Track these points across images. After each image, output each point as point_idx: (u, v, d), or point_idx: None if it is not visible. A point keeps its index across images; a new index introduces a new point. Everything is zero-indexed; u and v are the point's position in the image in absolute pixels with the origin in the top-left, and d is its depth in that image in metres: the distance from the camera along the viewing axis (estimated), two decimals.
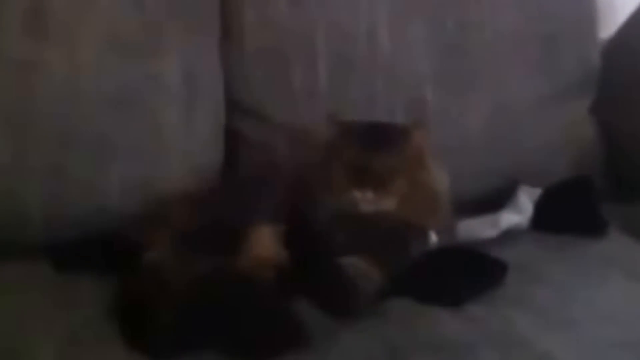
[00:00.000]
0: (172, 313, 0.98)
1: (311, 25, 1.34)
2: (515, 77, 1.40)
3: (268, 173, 1.26)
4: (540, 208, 1.29)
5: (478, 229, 1.24)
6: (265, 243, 1.08)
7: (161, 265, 1.06)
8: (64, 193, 1.24)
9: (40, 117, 1.22)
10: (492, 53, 1.39)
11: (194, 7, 1.32)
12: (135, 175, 1.26)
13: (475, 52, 1.39)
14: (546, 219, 1.28)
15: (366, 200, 1.10)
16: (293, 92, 1.34)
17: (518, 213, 1.28)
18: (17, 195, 1.22)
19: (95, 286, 1.10)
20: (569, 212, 1.28)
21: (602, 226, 1.27)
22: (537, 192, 1.31)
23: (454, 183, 1.25)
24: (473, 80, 1.38)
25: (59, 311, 1.06)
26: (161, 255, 1.07)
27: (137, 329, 1.00)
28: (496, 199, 1.31)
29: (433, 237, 1.19)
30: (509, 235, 1.24)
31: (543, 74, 1.41)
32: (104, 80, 1.25)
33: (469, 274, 1.12)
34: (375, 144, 1.12)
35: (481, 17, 1.39)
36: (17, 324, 1.04)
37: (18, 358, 0.98)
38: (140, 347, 0.98)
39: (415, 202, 1.12)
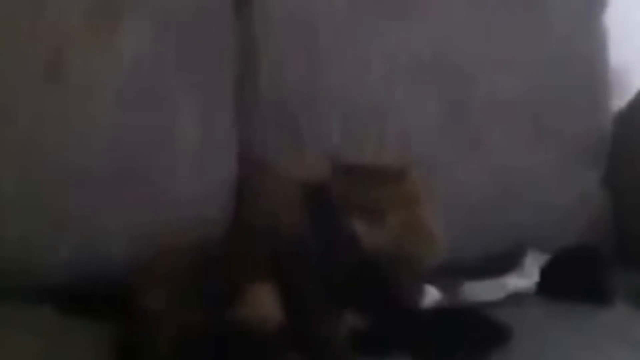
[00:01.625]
0: None
1: (325, 83, 1.36)
2: (524, 141, 1.40)
3: (274, 228, 1.26)
4: (547, 273, 1.28)
5: (484, 291, 1.23)
6: (262, 300, 1.08)
7: (157, 315, 1.06)
8: (69, 240, 1.24)
9: (51, 165, 1.24)
10: (502, 116, 1.39)
11: (210, 62, 1.34)
12: (142, 225, 1.26)
13: (484, 115, 1.39)
14: (553, 285, 1.27)
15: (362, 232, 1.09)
16: (305, 147, 1.35)
17: (524, 277, 1.27)
18: (18, 234, 1.23)
19: (94, 332, 1.10)
20: (576, 279, 1.27)
21: (609, 296, 1.26)
22: (543, 257, 1.31)
23: (460, 243, 1.24)
24: (481, 144, 1.39)
25: (55, 356, 1.07)
26: (158, 305, 1.07)
27: None
28: (502, 262, 1.31)
29: (437, 295, 1.19)
30: (515, 299, 1.24)
31: (553, 140, 1.41)
32: (114, 128, 1.26)
33: (473, 336, 1.11)
34: (368, 180, 1.11)
35: (492, 79, 1.39)
36: None
37: None
38: None
39: (409, 241, 1.11)
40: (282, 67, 1.36)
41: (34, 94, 1.24)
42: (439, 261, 1.13)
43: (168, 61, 1.30)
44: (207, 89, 1.33)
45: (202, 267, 1.12)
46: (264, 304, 1.08)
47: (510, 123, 1.40)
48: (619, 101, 1.51)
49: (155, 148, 1.29)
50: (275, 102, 1.36)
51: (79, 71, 1.25)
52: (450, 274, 1.21)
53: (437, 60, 1.38)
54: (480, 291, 1.23)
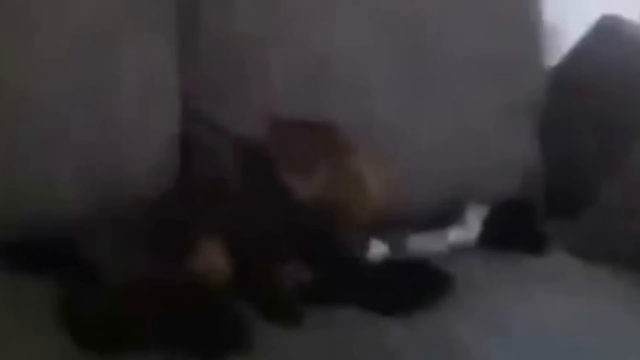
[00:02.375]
0: (116, 310, 1.00)
1: (268, 37, 1.36)
2: (464, 98, 1.44)
3: (219, 181, 1.27)
4: (487, 225, 1.33)
5: (427, 243, 1.28)
6: (213, 251, 1.09)
7: (107, 264, 1.06)
8: (13, 192, 1.23)
9: None
10: (444, 74, 1.43)
11: (152, 10, 1.33)
12: (88, 177, 1.26)
13: (427, 72, 1.42)
14: (492, 236, 1.32)
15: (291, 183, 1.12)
16: (248, 103, 1.36)
17: (466, 230, 1.32)
18: None
19: (39, 288, 1.09)
20: (512, 229, 1.32)
21: (542, 244, 1.32)
22: (484, 209, 1.35)
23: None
24: (424, 98, 1.42)
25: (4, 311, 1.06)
26: (102, 253, 1.08)
27: (78, 324, 1.01)
28: (445, 216, 1.35)
29: (383, 248, 1.23)
30: (457, 251, 1.29)
31: (490, 96, 1.45)
32: (60, 77, 1.25)
33: (416, 285, 1.15)
34: (298, 133, 1.15)
35: (438, 35, 1.43)
36: None
37: None
38: (79, 341, 0.99)
39: (342, 188, 1.14)
40: (227, 12, 1.36)
41: None
42: (373, 207, 1.16)
43: (109, 6, 1.29)
44: (150, 37, 1.32)
45: (149, 218, 1.13)
46: (213, 256, 1.09)
47: (456, 78, 1.43)
48: (552, 60, 1.56)
49: (99, 97, 1.27)
50: (220, 49, 1.36)
51: (23, 12, 1.23)
52: (396, 227, 1.25)
53: (392, 12, 1.41)
54: (425, 243, 1.27)
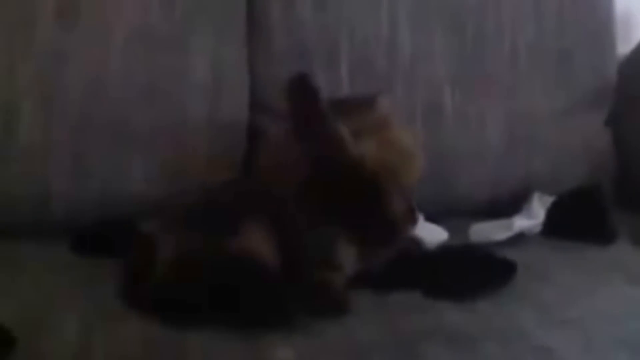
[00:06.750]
0: (162, 283, 1.02)
1: (334, 28, 1.38)
2: (531, 86, 1.43)
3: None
4: (552, 214, 1.31)
5: (491, 231, 1.26)
6: (258, 235, 1.08)
7: (154, 236, 1.08)
8: (86, 177, 1.28)
9: (68, 103, 1.27)
10: (510, 62, 1.42)
11: (222, 6, 1.36)
12: (157, 165, 1.30)
13: (493, 61, 1.42)
14: (557, 225, 1.30)
15: None
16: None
17: (530, 218, 1.30)
18: (41, 176, 1.27)
19: (111, 267, 1.11)
20: (580, 219, 1.30)
21: (611, 235, 1.29)
22: (549, 199, 1.33)
23: (470, 187, 1.29)
24: (490, 88, 1.42)
25: (78, 289, 1.10)
26: (156, 229, 1.09)
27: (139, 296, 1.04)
28: (510, 204, 1.34)
29: (445, 234, 1.22)
30: (520, 239, 1.27)
31: (559, 85, 1.44)
32: (132, 71, 1.29)
33: (478, 272, 1.13)
34: (338, 111, 1.14)
35: (500, 26, 1.42)
36: (40, 299, 1.07)
37: (43, 330, 1.00)
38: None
39: (388, 159, 1.14)
40: (291, 11, 1.38)
41: (47, 37, 1.26)
42: (419, 177, 1.16)
43: (180, 2, 1.32)
44: (217, 29, 1.35)
45: (202, 200, 1.15)
46: (259, 239, 1.08)
47: (518, 68, 1.43)
48: (624, 47, 1.53)
49: (166, 88, 1.32)
50: (285, 47, 1.38)
51: (90, 15, 1.28)
52: (459, 215, 1.24)
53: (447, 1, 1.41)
54: (488, 231, 1.26)
